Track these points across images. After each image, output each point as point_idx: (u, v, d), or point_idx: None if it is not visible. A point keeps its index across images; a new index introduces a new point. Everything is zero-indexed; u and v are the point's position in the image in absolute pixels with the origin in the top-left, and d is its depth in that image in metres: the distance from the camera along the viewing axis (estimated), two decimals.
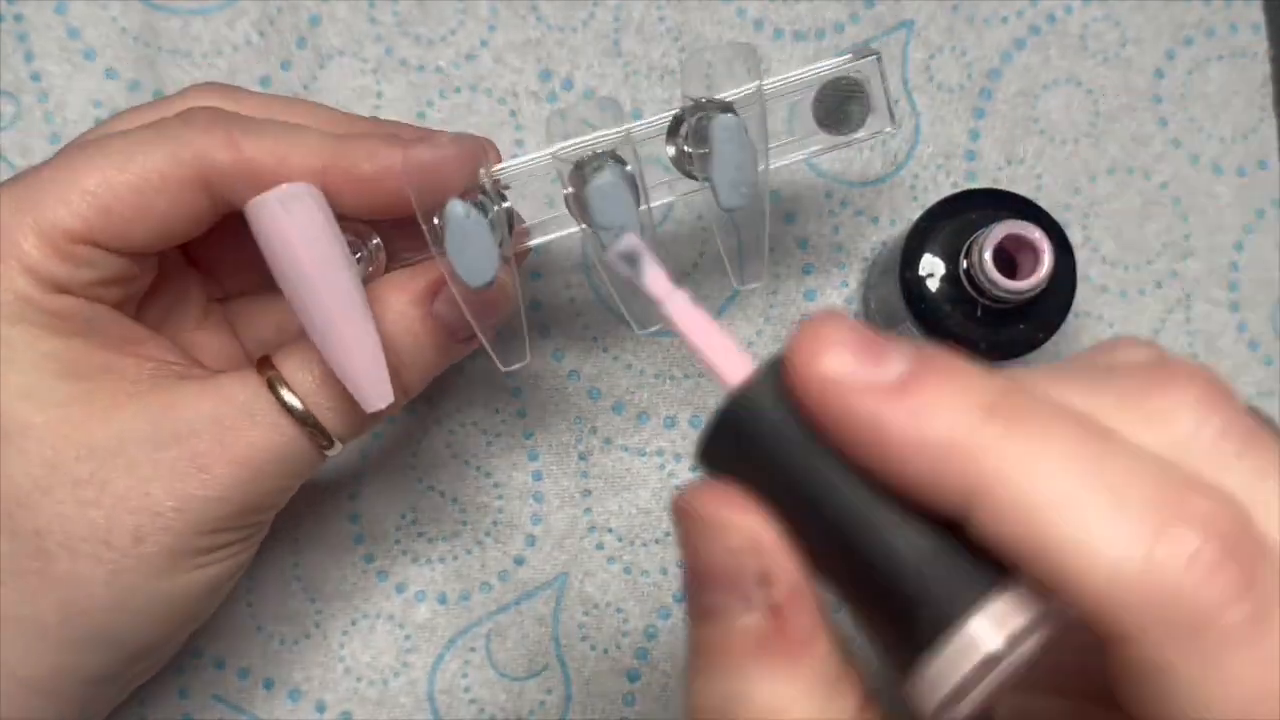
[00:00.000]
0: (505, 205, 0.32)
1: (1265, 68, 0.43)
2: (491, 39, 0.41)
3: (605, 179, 0.30)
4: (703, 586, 0.21)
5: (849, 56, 0.34)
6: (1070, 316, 0.38)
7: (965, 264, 0.37)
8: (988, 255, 0.36)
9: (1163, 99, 0.43)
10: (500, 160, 0.33)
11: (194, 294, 0.36)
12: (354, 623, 0.41)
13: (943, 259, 0.38)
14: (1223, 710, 0.18)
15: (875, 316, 0.41)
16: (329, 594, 0.41)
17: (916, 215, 0.39)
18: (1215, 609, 0.18)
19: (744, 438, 0.21)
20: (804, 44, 0.42)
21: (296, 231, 0.29)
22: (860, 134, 0.35)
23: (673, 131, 0.34)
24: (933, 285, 0.38)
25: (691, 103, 0.32)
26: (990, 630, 0.19)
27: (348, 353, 0.30)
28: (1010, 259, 0.37)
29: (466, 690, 0.41)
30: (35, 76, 0.40)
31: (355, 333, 0.30)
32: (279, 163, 0.30)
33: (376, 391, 0.30)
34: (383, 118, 0.40)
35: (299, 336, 0.32)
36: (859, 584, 0.20)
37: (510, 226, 0.32)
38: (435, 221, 0.30)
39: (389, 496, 0.41)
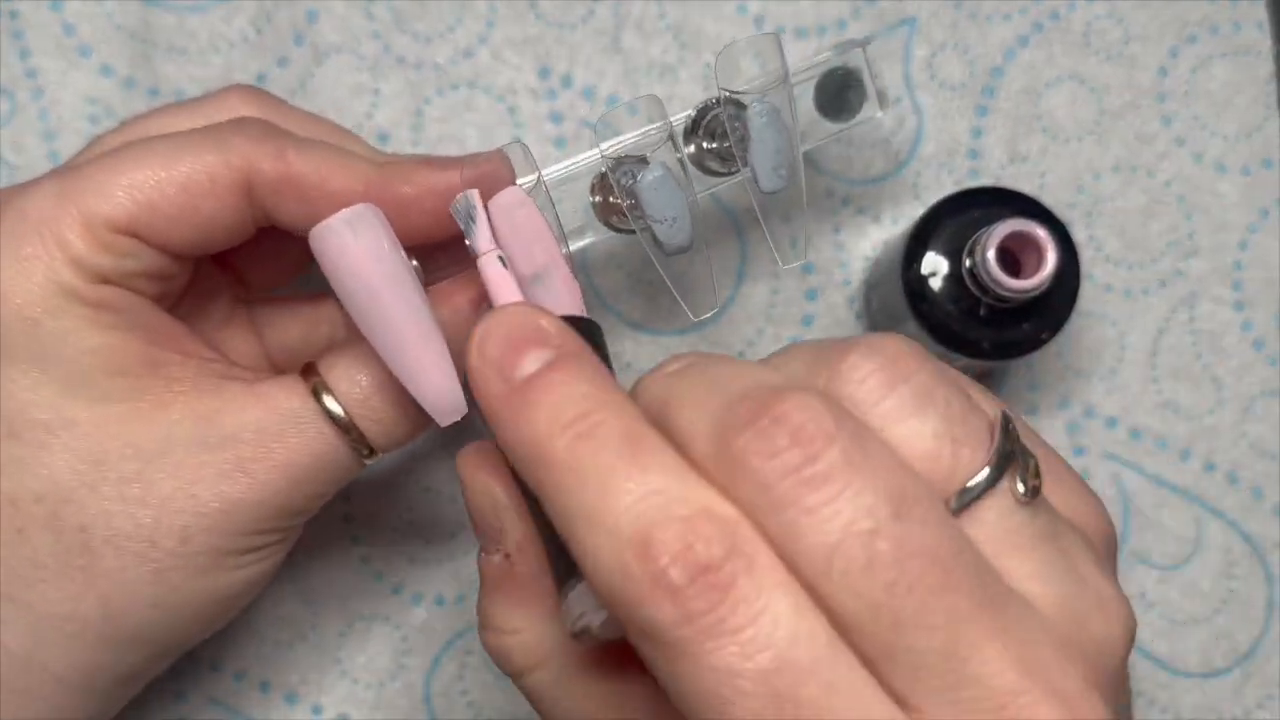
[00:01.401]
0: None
1: (1269, 65, 0.43)
2: (490, 35, 0.41)
3: (655, 172, 0.32)
4: (474, 526, 0.28)
5: (837, 48, 0.36)
6: (1074, 316, 0.38)
7: (968, 263, 0.37)
8: (991, 254, 0.35)
9: (1166, 97, 0.42)
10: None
11: (221, 294, 0.36)
12: (350, 624, 0.41)
13: (945, 258, 0.38)
14: (684, 708, 0.21)
15: (877, 315, 0.41)
16: (325, 596, 0.41)
17: (919, 213, 0.39)
18: (667, 626, 0.20)
19: None
20: (805, 40, 0.41)
21: (367, 254, 0.29)
22: (854, 120, 0.36)
23: (690, 131, 0.34)
24: (935, 284, 0.38)
25: (719, 96, 0.33)
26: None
27: (423, 369, 0.30)
28: (1013, 258, 0.36)
29: (464, 693, 0.41)
30: (30, 73, 0.40)
31: (429, 348, 0.30)
32: (322, 181, 0.31)
33: (451, 404, 0.30)
34: (380, 115, 0.41)
35: (339, 345, 0.32)
36: (540, 531, 0.26)
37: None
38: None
39: (385, 497, 0.41)
